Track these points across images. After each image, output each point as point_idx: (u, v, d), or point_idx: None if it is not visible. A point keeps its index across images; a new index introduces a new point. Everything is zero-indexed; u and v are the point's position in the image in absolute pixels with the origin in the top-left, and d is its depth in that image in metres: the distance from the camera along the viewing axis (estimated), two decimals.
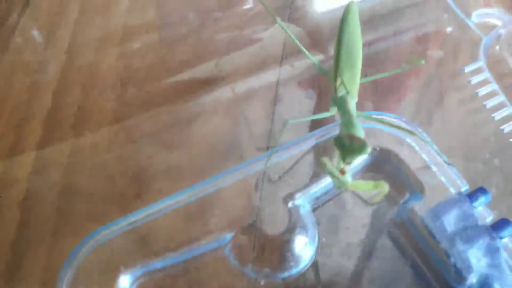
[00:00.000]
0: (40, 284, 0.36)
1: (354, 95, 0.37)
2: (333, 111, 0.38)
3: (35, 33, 0.47)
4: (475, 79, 0.47)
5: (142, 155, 0.42)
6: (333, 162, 0.31)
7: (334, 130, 0.42)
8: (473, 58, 0.49)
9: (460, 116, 0.46)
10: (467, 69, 0.48)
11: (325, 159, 0.31)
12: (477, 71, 0.48)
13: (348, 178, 0.32)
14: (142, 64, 0.45)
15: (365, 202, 0.38)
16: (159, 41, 0.47)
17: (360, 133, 0.32)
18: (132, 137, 0.42)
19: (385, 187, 0.32)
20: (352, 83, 0.37)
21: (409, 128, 0.39)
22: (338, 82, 0.37)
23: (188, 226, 0.37)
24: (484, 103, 0.46)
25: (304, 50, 0.38)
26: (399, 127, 0.38)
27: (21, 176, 0.40)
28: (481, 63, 0.48)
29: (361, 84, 0.38)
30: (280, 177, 0.39)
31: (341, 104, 0.36)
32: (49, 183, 0.40)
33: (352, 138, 0.31)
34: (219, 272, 0.36)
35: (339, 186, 0.32)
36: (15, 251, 0.37)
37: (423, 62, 0.40)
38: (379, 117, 0.39)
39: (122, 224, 0.36)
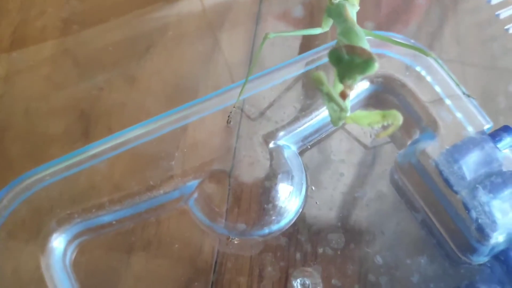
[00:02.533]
0: None
1: (354, 3, 0.29)
2: (327, 26, 0.30)
3: None
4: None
5: (92, 86, 0.33)
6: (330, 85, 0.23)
7: (325, 57, 0.33)
8: None
9: (477, 42, 0.38)
10: None
11: (320, 74, 0.22)
12: None
13: (348, 106, 0.24)
14: None
15: (370, 137, 0.30)
16: None
17: (364, 43, 0.24)
18: (80, 64, 0.34)
19: (398, 118, 0.24)
20: None
21: (423, 48, 0.31)
22: None
23: (144, 170, 0.29)
24: (506, 27, 0.38)
25: None
26: (411, 47, 0.30)
27: None
28: None
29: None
30: (261, 113, 0.31)
31: (338, 12, 0.27)
32: None
33: (354, 49, 0.23)
34: (182, 229, 0.29)
35: (336, 120, 0.24)
36: None
37: None
38: (384, 35, 0.31)
39: (59, 167, 0.28)
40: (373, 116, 0.24)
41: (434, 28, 0.38)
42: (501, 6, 0.39)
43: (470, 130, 0.31)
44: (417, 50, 0.30)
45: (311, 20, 0.37)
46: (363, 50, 0.22)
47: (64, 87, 0.34)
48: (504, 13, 0.39)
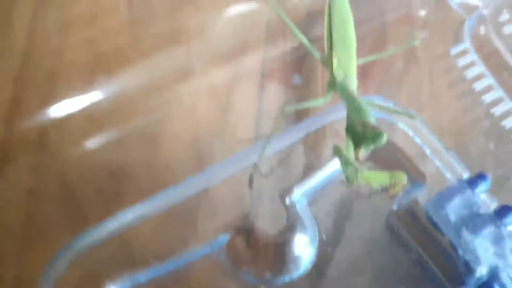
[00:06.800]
0: None
1: (354, 77, 0.34)
2: (329, 97, 0.35)
3: None
4: (462, 61, 0.46)
5: (120, 151, 0.38)
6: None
7: (323, 120, 0.39)
8: (458, 40, 0.47)
9: (450, 100, 0.44)
10: (454, 51, 0.46)
11: (339, 147, 0.28)
12: (463, 52, 0.46)
13: (361, 170, 0.29)
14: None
15: (383, 193, 0.35)
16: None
17: (372, 119, 0.30)
18: (105, 131, 0.38)
19: (403, 178, 0.29)
20: (349, 64, 0.34)
21: (409, 112, 0.36)
22: (335, 65, 0.34)
23: (176, 229, 0.33)
24: (472, 86, 0.45)
25: (299, 32, 0.36)
26: (401, 113, 0.36)
27: None
28: (466, 44, 0.47)
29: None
30: (272, 171, 0.36)
31: (342, 90, 0.33)
32: (13, 187, 0.35)
33: (366, 125, 0.28)
34: (214, 281, 0.33)
35: (351, 179, 0.30)
36: None
37: (417, 42, 0.39)
38: (376, 102, 0.36)
39: (101, 231, 0.32)
40: (381, 176, 0.29)
41: (411, 86, 0.44)
42: (468, 66, 0.46)
43: (452, 178, 0.37)
44: (406, 115, 0.36)
45: (308, 86, 0.43)
46: (373, 126, 0.28)
47: (93, 155, 0.37)
48: (470, 73, 0.45)
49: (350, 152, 0.29)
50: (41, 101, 0.38)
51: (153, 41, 0.42)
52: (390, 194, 0.30)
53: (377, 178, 0.29)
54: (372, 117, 0.30)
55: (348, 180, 0.30)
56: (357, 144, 0.29)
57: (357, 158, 0.29)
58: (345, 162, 0.29)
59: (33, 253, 0.32)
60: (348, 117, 0.31)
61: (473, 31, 0.48)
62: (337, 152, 0.28)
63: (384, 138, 0.28)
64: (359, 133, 0.28)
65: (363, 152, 0.29)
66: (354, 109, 0.31)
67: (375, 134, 0.28)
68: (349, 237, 0.36)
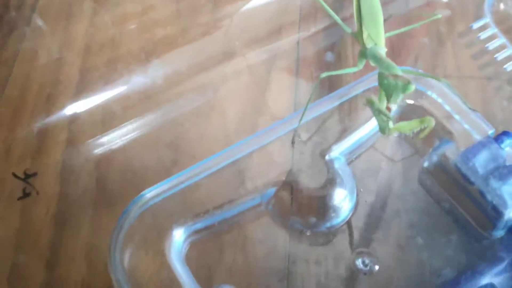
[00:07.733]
0: (84, 255, 0.36)
1: (382, 46, 0.38)
2: (361, 65, 0.39)
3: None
4: (483, 35, 0.49)
5: (175, 124, 0.42)
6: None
7: (357, 88, 0.43)
8: (479, 17, 0.50)
9: (474, 71, 0.47)
10: (475, 26, 0.49)
11: (371, 98, 0.32)
12: (484, 27, 0.49)
13: (392, 116, 0.33)
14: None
15: (412, 138, 0.39)
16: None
17: (401, 72, 0.33)
18: (161, 107, 0.43)
19: (431, 121, 0.33)
20: (378, 35, 0.38)
21: (436, 76, 0.40)
22: (365, 35, 0.38)
23: (229, 185, 0.38)
24: (494, 56, 0.48)
25: (332, 12, 0.40)
26: (428, 75, 0.39)
27: (56, 150, 0.41)
28: (487, 19, 0.50)
29: None
30: (310, 137, 0.40)
31: (372, 55, 0.37)
32: (84, 157, 0.40)
33: (397, 76, 0.32)
34: (262, 227, 0.37)
35: (384, 129, 0.33)
36: (57, 224, 0.38)
37: (439, 15, 0.42)
38: (405, 69, 0.40)
39: (164, 188, 0.36)
40: (412, 123, 0.33)
41: (436, 60, 0.48)
42: (489, 39, 0.49)
43: (478, 136, 0.40)
44: (433, 77, 0.39)
45: (340, 62, 0.47)
46: (403, 77, 0.32)
47: (153, 129, 0.42)
48: (492, 45, 0.48)
49: (382, 103, 0.33)
50: (103, 83, 0.43)
51: (198, 29, 0.47)
52: (421, 136, 0.33)
53: (407, 125, 0.33)
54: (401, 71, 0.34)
55: (381, 129, 0.33)
56: (389, 94, 0.32)
57: (389, 108, 0.32)
58: (377, 112, 0.32)
59: (106, 208, 0.37)
60: (380, 73, 0.35)
61: (493, 8, 0.51)
62: (369, 102, 0.32)
63: (413, 86, 0.31)
64: (391, 83, 0.32)
65: (394, 103, 0.32)
66: (385, 67, 0.34)
67: (405, 84, 0.31)
68: (385, 191, 0.39)
